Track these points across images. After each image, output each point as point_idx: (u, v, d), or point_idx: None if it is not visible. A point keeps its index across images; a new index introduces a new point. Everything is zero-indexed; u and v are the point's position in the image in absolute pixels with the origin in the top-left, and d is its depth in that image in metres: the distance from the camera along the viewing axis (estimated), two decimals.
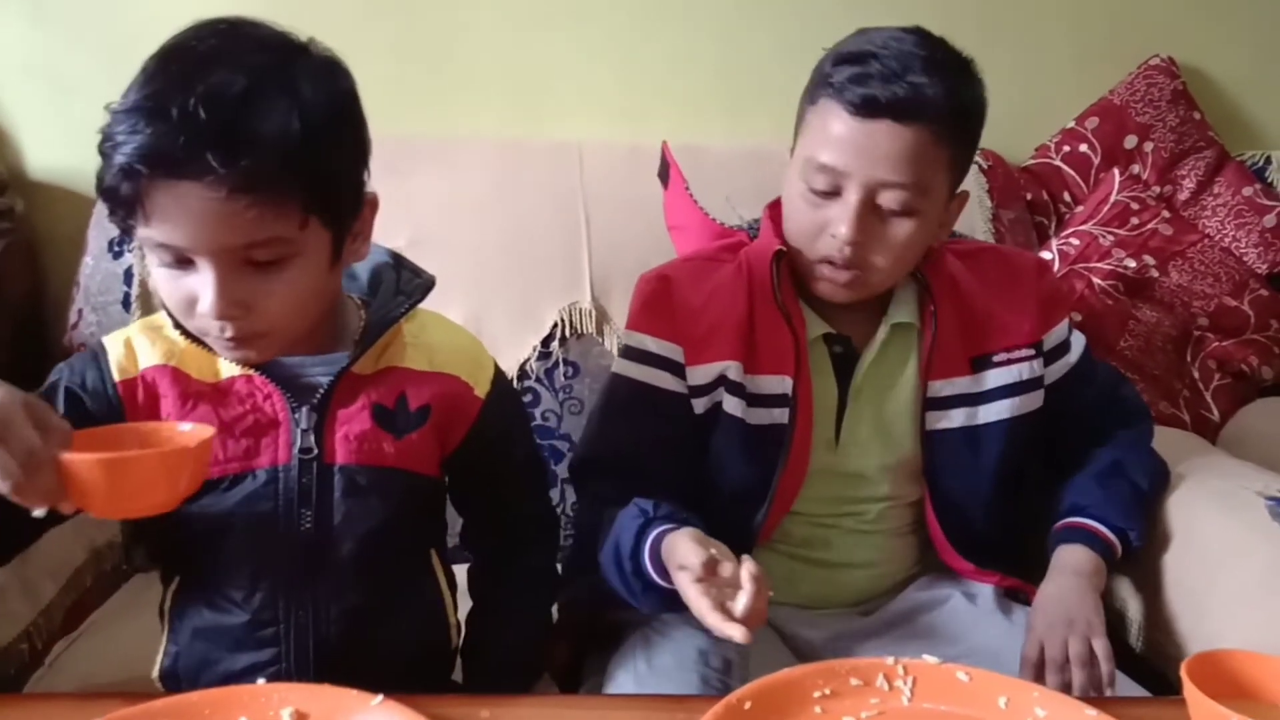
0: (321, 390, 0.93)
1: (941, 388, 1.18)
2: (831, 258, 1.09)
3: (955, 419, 1.18)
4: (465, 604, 1.10)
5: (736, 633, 0.85)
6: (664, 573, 0.99)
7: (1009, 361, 1.19)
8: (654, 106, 1.80)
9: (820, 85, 1.08)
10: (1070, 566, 1.13)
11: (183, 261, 0.82)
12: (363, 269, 1.02)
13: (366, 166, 0.91)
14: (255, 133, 0.78)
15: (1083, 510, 1.17)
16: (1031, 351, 1.20)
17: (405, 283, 1.00)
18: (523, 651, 1.07)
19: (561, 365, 1.56)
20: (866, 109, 1.03)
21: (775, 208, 1.19)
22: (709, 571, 0.88)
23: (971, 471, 1.19)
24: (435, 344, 1.00)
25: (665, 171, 1.42)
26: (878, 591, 1.24)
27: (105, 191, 0.80)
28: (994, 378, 1.19)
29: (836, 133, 1.05)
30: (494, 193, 1.61)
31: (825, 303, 1.16)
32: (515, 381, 1.54)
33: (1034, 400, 1.21)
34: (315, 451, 0.93)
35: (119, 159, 0.77)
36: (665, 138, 1.70)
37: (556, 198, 1.62)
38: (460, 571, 1.12)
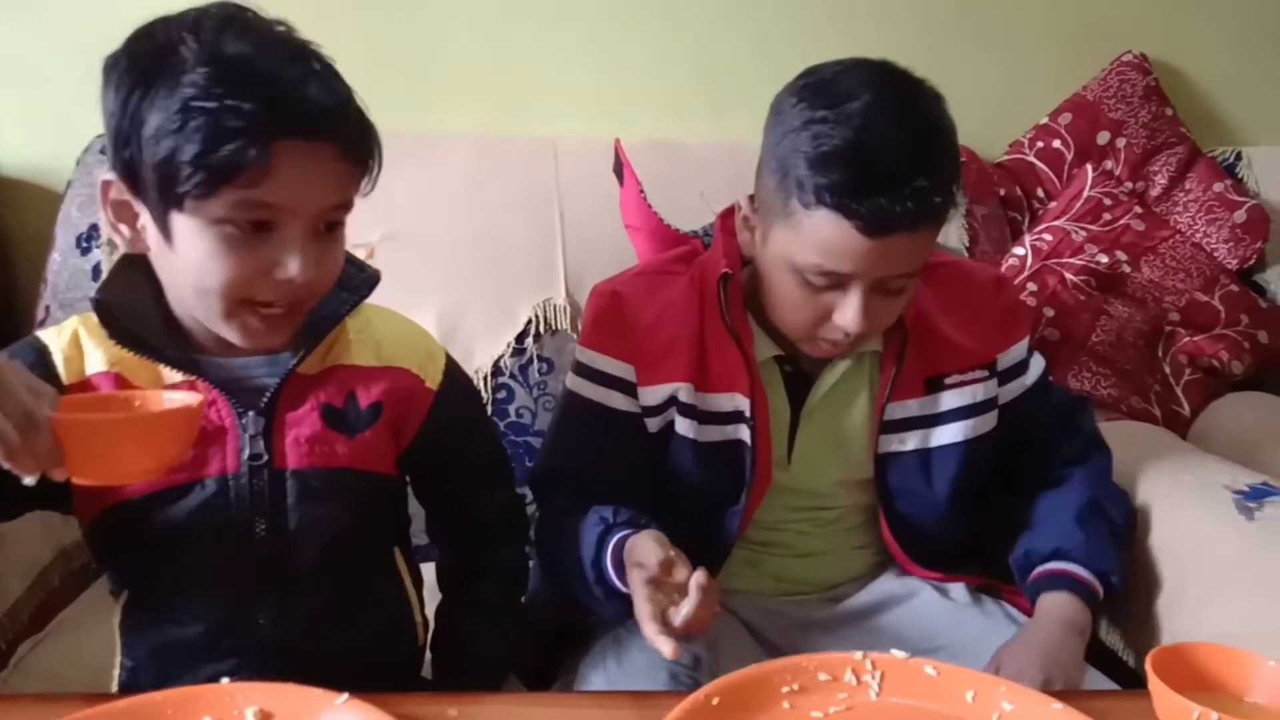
0: (268, 394, 0.91)
1: (895, 410, 1.15)
2: (834, 339, 1.07)
3: (909, 442, 1.16)
4: (434, 601, 1.09)
5: (665, 647, 0.86)
6: (625, 580, 0.98)
7: (962, 384, 1.16)
8: (631, 103, 1.79)
9: (809, 185, 0.97)
10: (1057, 616, 1.09)
11: (260, 227, 0.82)
12: None
13: None
14: (350, 100, 0.85)
15: (1067, 555, 1.13)
16: (985, 373, 1.17)
17: (349, 278, 0.96)
18: (492, 648, 1.06)
19: (536, 361, 1.56)
20: (879, 229, 0.96)
21: (728, 216, 1.15)
22: (665, 572, 0.89)
23: (925, 493, 1.17)
24: (382, 337, 0.99)
25: (619, 169, 1.41)
26: (847, 576, 1.24)
27: (207, 157, 0.78)
28: (948, 400, 1.16)
29: (844, 248, 0.98)
30: (469, 188, 1.60)
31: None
32: (489, 378, 1.54)
33: (988, 422, 1.18)
34: (265, 457, 0.91)
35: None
36: (643, 134, 1.70)
37: (532, 194, 1.62)
38: (430, 569, 1.11)
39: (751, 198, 1.10)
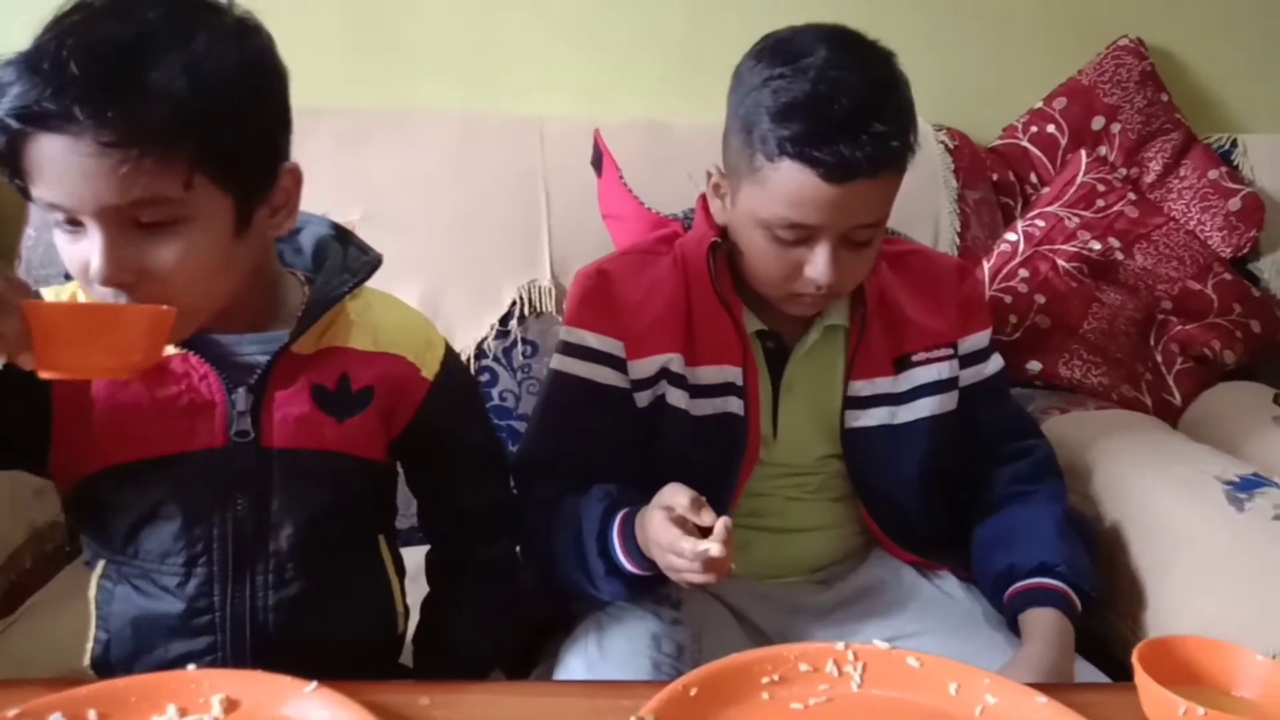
0: (259, 370, 0.90)
1: (862, 387, 1.18)
2: (807, 293, 1.09)
3: (875, 417, 1.18)
4: (415, 588, 1.07)
5: (713, 548, 0.88)
6: (630, 556, 0.99)
7: (928, 361, 1.19)
8: (616, 83, 1.76)
9: (771, 139, 1.01)
10: (1054, 639, 1.07)
11: (74, 224, 0.80)
12: (307, 244, 0.99)
13: (284, 134, 0.88)
14: (129, 86, 0.75)
15: (1053, 570, 1.12)
16: (950, 351, 1.21)
17: (351, 260, 0.97)
18: (476, 646, 1.04)
19: (520, 344, 1.53)
20: (841, 174, 1.00)
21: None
22: (694, 509, 0.91)
23: (895, 469, 1.19)
24: (380, 323, 0.97)
25: (598, 160, 1.40)
26: (833, 556, 1.24)
27: None
28: (915, 377, 1.19)
29: (809, 197, 1.02)
30: (451, 168, 1.58)
31: (756, 298, 1.16)
32: (472, 361, 1.51)
33: (951, 401, 1.21)
34: (252, 435, 0.89)
35: None
36: (629, 115, 1.68)
37: (516, 173, 1.59)
38: (413, 554, 1.09)
39: (719, 167, 1.14)
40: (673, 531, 0.91)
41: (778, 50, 1.05)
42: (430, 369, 0.99)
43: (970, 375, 1.23)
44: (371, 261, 0.97)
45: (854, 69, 1.01)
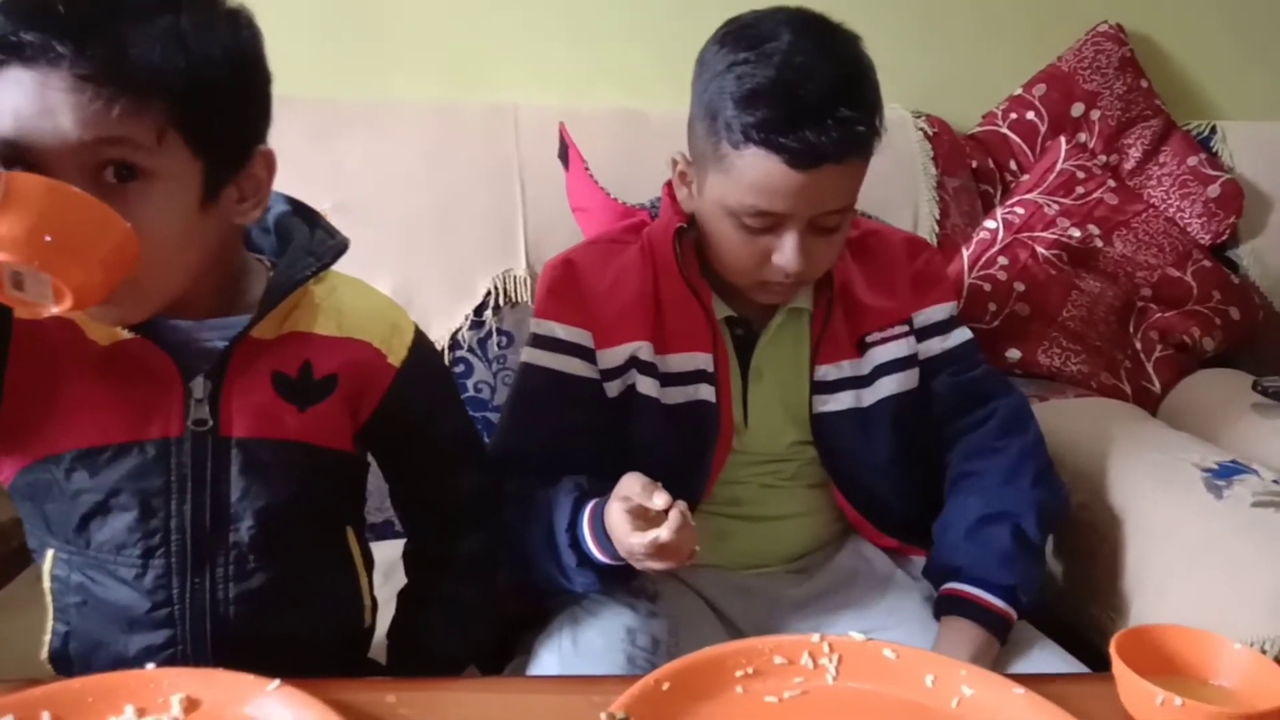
0: (217, 357, 0.87)
1: (828, 372, 1.17)
2: (777, 280, 1.08)
3: (842, 402, 1.18)
4: (392, 583, 1.06)
5: (659, 500, 0.90)
6: (601, 546, 0.98)
7: (883, 340, 1.19)
8: (593, 72, 1.74)
9: (736, 125, 1.00)
10: (942, 643, 1.06)
11: (33, 170, 0.75)
12: (270, 223, 0.96)
13: (262, 119, 0.86)
14: (115, 30, 0.74)
15: (959, 573, 1.10)
16: (905, 328, 1.20)
17: (317, 243, 0.94)
18: (452, 644, 1.03)
19: (495, 335, 1.52)
20: (807, 160, 0.99)
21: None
22: (647, 495, 0.91)
23: (866, 454, 1.19)
24: (346, 307, 0.94)
25: (565, 153, 1.39)
26: (812, 544, 1.23)
27: None
28: (876, 356, 1.18)
29: (776, 184, 1.01)
30: (424, 156, 1.55)
31: (725, 284, 1.15)
32: (447, 352, 1.50)
33: (913, 379, 1.20)
34: (210, 423, 0.87)
35: None
36: (606, 104, 1.66)
37: (491, 162, 1.56)
38: (392, 547, 1.07)
39: (685, 155, 1.13)
40: (625, 524, 0.91)
41: (741, 35, 1.03)
42: (397, 355, 0.96)
43: (929, 349, 1.21)
44: (337, 245, 0.94)
45: (819, 54, 1.00)
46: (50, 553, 0.91)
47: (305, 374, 0.90)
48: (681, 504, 0.91)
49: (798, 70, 0.99)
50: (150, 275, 0.80)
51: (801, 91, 0.98)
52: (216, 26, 0.80)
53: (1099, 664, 1.03)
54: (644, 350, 1.12)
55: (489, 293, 1.52)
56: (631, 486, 0.93)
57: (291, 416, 0.90)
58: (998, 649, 1.06)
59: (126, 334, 0.86)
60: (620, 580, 1.02)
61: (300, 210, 0.97)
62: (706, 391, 1.14)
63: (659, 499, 0.91)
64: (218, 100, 0.80)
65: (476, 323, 1.51)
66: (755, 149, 1.00)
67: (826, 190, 1.02)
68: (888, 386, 1.18)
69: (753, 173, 1.01)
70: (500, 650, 1.15)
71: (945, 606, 1.09)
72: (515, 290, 1.52)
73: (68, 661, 0.91)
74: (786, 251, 1.04)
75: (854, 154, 1.01)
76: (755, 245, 1.06)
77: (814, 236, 1.05)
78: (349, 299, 0.96)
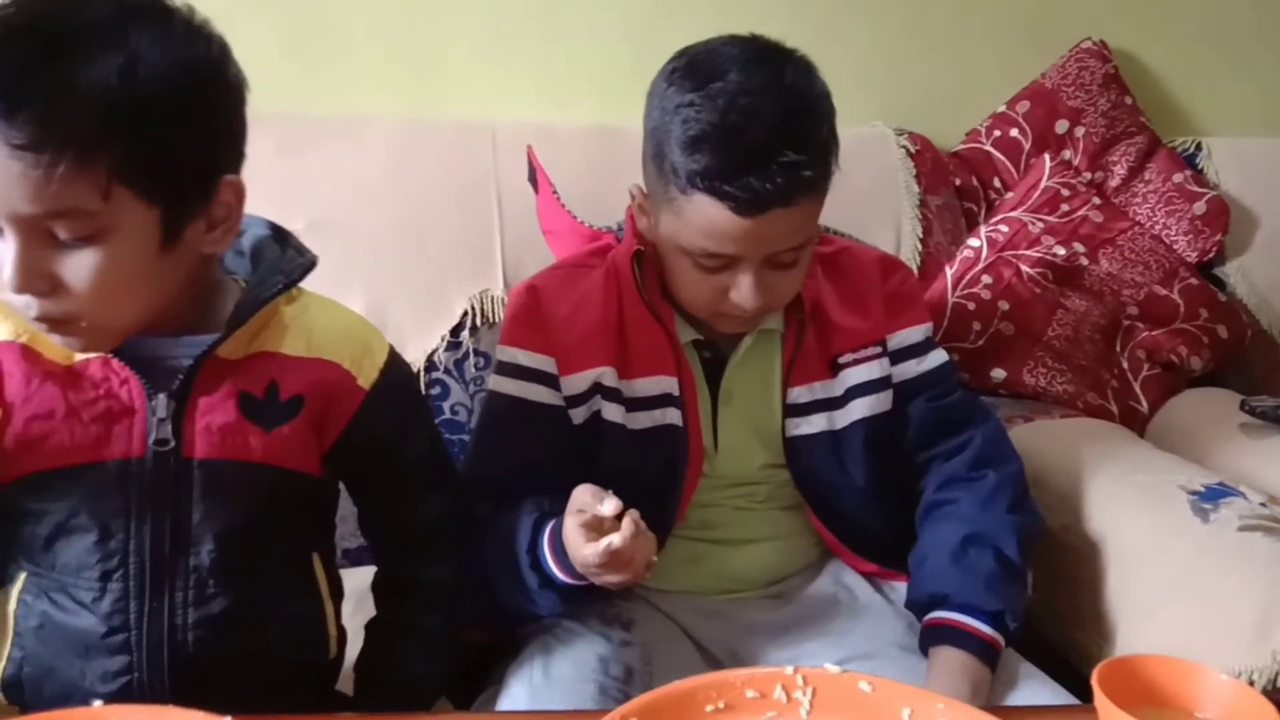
0: (181, 375, 0.85)
1: (800, 394, 1.16)
2: (736, 315, 1.07)
3: (815, 424, 1.16)
4: (359, 609, 1.03)
5: (609, 507, 0.90)
6: (562, 566, 0.96)
7: (856, 361, 1.17)
8: (568, 88, 1.72)
9: (682, 171, 1.00)
10: (932, 677, 1.03)
11: None
12: (247, 247, 0.95)
13: (229, 145, 0.84)
14: (48, 84, 0.72)
15: (945, 601, 1.07)
16: (879, 349, 1.18)
17: (287, 261, 0.92)
18: (418, 676, 1.00)
19: (472, 356, 1.50)
20: (752, 208, 0.98)
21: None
22: (597, 500, 0.91)
23: (840, 476, 1.17)
24: (316, 326, 0.92)
25: (533, 176, 1.38)
26: (789, 567, 1.21)
27: None
28: (848, 378, 1.17)
29: (723, 230, 1.00)
30: (395, 174, 1.54)
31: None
32: (422, 374, 1.47)
33: (886, 401, 1.18)
34: (172, 443, 0.85)
35: None
36: (581, 120, 1.64)
37: (466, 181, 1.55)
38: (365, 574, 1.05)
39: (641, 188, 1.12)
40: (579, 536, 0.90)
41: (689, 72, 1.02)
42: (367, 377, 0.93)
43: (904, 371, 1.19)
44: (306, 263, 0.92)
45: (766, 93, 0.99)
46: (22, 576, 0.89)
47: (271, 394, 0.89)
48: (634, 512, 0.90)
49: (741, 113, 0.97)
50: (110, 317, 0.81)
51: (746, 137, 0.97)
52: (173, 49, 0.78)
53: (1084, 691, 1.02)
54: (607, 376, 1.11)
55: (466, 313, 1.50)
56: (582, 497, 0.93)
57: (256, 438, 0.88)
58: (990, 678, 1.03)
59: (89, 354, 0.85)
60: (584, 601, 1.01)
61: (277, 233, 0.96)
62: (674, 415, 1.13)
63: (608, 505, 0.90)
64: (173, 137, 0.78)
65: (453, 344, 1.49)
66: (700, 195, 0.99)
67: (778, 232, 1.01)
68: (860, 409, 1.16)
69: (700, 219, 1.00)
70: (472, 680, 1.12)
71: (934, 637, 1.06)
72: (492, 311, 1.50)
73: (20, 689, 0.89)
74: (743, 289, 1.04)
75: (802, 196, 1.00)
76: (711, 283, 1.05)
77: (772, 272, 1.04)
78: (320, 319, 0.94)
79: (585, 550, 0.89)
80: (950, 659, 1.03)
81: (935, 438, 1.19)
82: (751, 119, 0.97)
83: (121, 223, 0.77)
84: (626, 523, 0.89)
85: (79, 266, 0.77)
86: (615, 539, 0.88)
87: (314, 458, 0.93)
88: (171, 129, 0.77)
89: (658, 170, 1.04)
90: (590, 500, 0.92)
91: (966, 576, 1.07)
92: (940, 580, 1.09)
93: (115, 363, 0.85)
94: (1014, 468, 1.17)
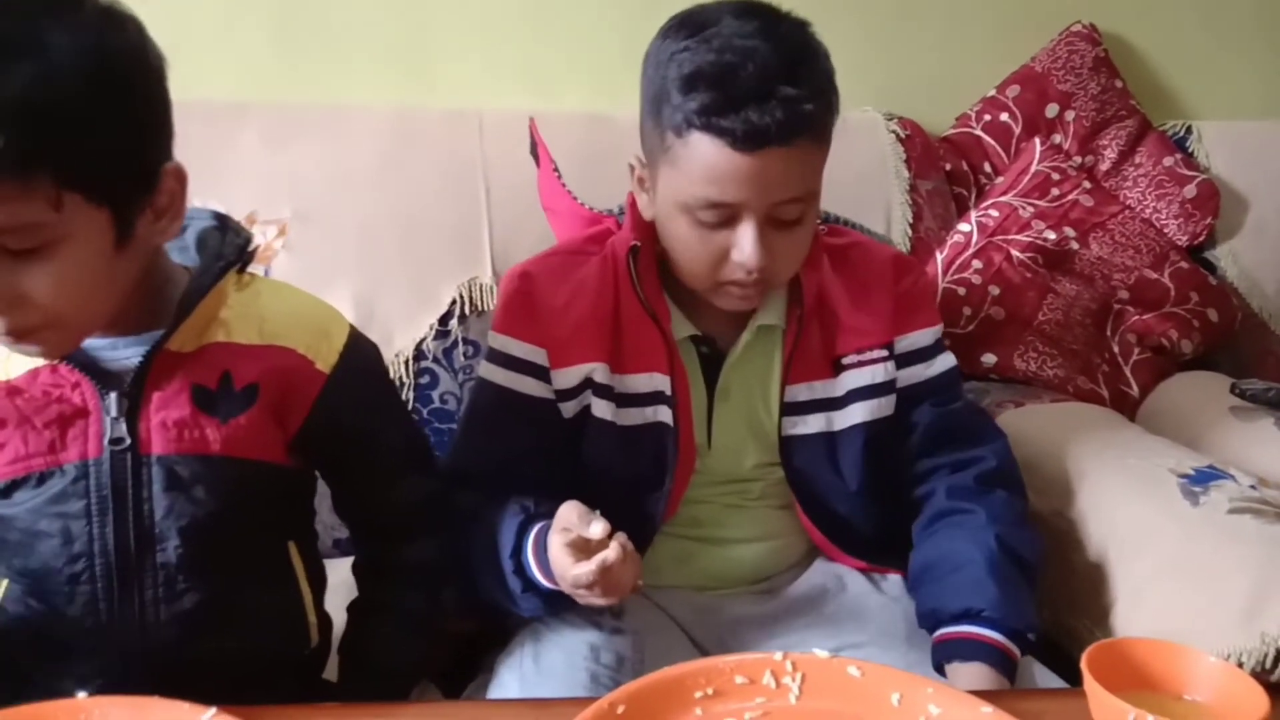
0: (132, 373, 0.84)
1: (799, 392, 1.13)
2: (738, 281, 1.04)
3: (812, 425, 1.13)
4: (349, 598, 1.02)
5: (596, 529, 0.89)
6: (545, 572, 0.95)
7: (860, 364, 1.13)
8: (557, 75, 1.71)
9: (679, 113, 0.98)
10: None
11: None
12: (191, 239, 0.93)
13: (162, 132, 0.82)
14: None
15: (978, 616, 1.02)
16: (884, 353, 1.14)
17: (226, 246, 0.90)
18: (399, 656, 0.99)
19: (461, 344, 1.48)
20: (751, 142, 0.96)
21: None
22: (585, 522, 0.90)
23: (833, 478, 1.14)
24: (268, 313, 0.91)
25: (535, 150, 1.36)
26: (778, 566, 1.20)
27: None
28: (849, 380, 1.13)
29: (723, 170, 0.98)
30: (386, 163, 1.52)
31: (690, 300, 1.11)
32: (411, 363, 1.46)
33: (888, 405, 1.14)
34: (128, 442, 0.84)
35: None
36: (571, 107, 1.63)
37: (454, 168, 1.53)
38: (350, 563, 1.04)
39: (640, 157, 1.10)
40: (566, 558, 0.89)
41: (684, 24, 1.02)
42: (326, 361, 0.92)
43: (909, 376, 1.16)
44: (241, 242, 0.91)
45: (761, 36, 0.97)
46: (4, 583, 0.89)
47: (225, 385, 0.87)
48: (622, 535, 0.89)
49: (738, 51, 0.96)
50: (73, 320, 0.80)
51: (742, 72, 0.96)
52: (88, 42, 0.74)
53: (1075, 675, 1.01)
54: (599, 372, 1.09)
55: (454, 301, 1.48)
56: (569, 516, 0.92)
57: (213, 430, 0.87)
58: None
59: (39, 361, 0.84)
60: (567, 604, 0.98)
61: (221, 221, 0.94)
62: (664, 414, 1.10)
63: (596, 528, 0.89)
64: (107, 136, 0.76)
65: (442, 332, 1.48)
66: (699, 134, 0.97)
67: (776, 175, 0.98)
68: (860, 412, 1.13)
69: (699, 160, 0.98)
70: (462, 669, 1.12)
71: (961, 651, 1.01)
72: (481, 299, 1.49)
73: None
74: (745, 246, 1.00)
75: (801, 135, 0.97)
76: (712, 243, 1.02)
77: (774, 230, 1.01)
78: (272, 304, 0.92)
79: (576, 570, 0.88)
80: (978, 675, 0.99)
81: (940, 446, 1.15)
82: (749, 56, 0.96)
83: (75, 230, 0.76)
84: (613, 547, 0.88)
85: (40, 276, 0.75)
86: (609, 554, 0.87)
87: (278, 447, 0.92)
88: (105, 125, 0.75)
89: (654, 123, 1.02)
90: (577, 521, 0.91)
91: (1004, 590, 1.02)
92: (962, 595, 1.03)
93: (64, 368, 0.84)
94: (1022, 492, 1.15)
